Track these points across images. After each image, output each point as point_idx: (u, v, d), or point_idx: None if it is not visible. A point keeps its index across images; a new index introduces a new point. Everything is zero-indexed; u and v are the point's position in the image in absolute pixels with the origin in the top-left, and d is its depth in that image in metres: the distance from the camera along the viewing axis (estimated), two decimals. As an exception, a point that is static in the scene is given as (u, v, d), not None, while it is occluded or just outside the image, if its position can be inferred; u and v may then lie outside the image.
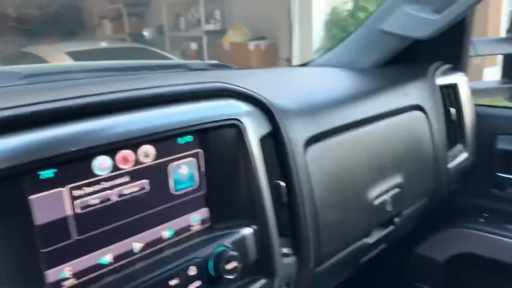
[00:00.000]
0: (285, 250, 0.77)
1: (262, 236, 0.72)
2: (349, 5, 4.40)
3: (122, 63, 1.56)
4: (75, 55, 4.45)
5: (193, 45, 5.43)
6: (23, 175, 0.50)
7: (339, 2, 4.45)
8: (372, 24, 1.27)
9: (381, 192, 0.98)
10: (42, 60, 4.66)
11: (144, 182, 0.62)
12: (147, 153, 0.62)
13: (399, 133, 1.06)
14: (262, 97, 0.78)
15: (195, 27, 5.40)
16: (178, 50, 5.63)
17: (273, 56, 4.86)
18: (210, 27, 5.26)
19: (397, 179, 1.02)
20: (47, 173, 0.52)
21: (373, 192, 0.95)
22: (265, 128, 0.76)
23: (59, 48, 5.03)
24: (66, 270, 0.55)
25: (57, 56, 4.61)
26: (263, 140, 0.74)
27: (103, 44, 5.25)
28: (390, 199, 1.00)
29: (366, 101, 1.02)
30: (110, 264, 0.60)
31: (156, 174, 0.63)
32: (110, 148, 0.57)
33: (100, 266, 0.59)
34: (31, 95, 0.68)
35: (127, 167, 0.60)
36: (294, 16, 4.52)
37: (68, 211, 0.55)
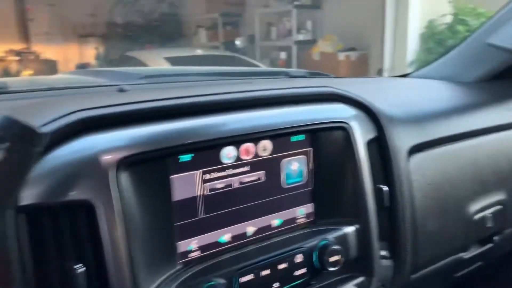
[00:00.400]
0: (383, 253, 0.80)
1: (363, 235, 0.75)
2: (448, 18, 4.24)
3: (228, 69, 1.67)
4: (172, 61, 4.76)
5: (283, 55, 5.54)
6: (167, 157, 0.59)
7: (436, 15, 4.31)
8: (479, 37, 1.25)
9: (482, 207, 0.96)
10: (143, 64, 5.02)
11: (261, 173, 0.68)
12: (265, 147, 0.68)
13: (504, 149, 1.03)
14: (369, 103, 0.81)
15: (286, 37, 5.52)
16: (268, 59, 5.79)
17: (363, 68, 4.82)
18: (301, 37, 5.35)
19: (500, 196, 0.99)
20: (185, 157, 0.61)
21: (473, 207, 0.94)
22: (371, 133, 0.79)
23: (158, 54, 5.39)
24: (193, 243, 0.63)
25: (156, 61, 4.95)
26: (368, 144, 0.78)
27: (198, 51, 5.54)
28: (491, 216, 0.98)
29: (471, 115, 1.01)
30: (228, 243, 0.67)
31: (271, 167, 0.69)
32: (236, 140, 0.65)
33: (219, 244, 0.66)
34: (163, 92, 0.78)
35: (248, 158, 0.67)
36: (388, 28, 4.45)
37: (199, 192, 0.63)
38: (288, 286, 0.68)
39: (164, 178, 0.59)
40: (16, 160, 0.41)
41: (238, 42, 6.17)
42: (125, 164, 0.55)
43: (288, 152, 0.71)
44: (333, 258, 0.69)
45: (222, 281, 0.61)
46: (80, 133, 0.55)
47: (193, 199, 0.62)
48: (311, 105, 0.75)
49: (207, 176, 0.63)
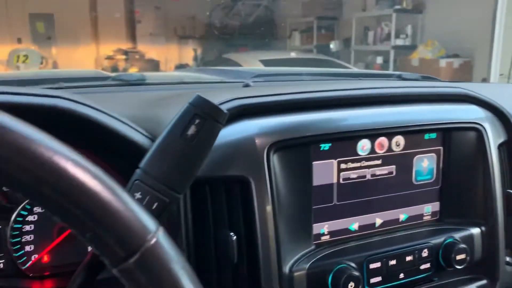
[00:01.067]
0: (508, 259, 0.78)
1: (489, 238, 0.74)
2: None
3: (337, 70, 1.71)
4: (267, 63, 4.88)
5: (379, 59, 5.43)
6: (310, 144, 0.64)
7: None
8: None
9: None
10: (239, 66, 5.21)
11: (393, 167, 0.71)
12: (398, 142, 0.71)
13: None
14: (501, 106, 0.80)
15: (383, 41, 5.41)
16: (362, 64, 5.71)
17: (466, 76, 4.56)
18: (400, 42, 5.20)
19: None
20: (325, 146, 0.65)
21: None
22: (502, 137, 0.78)
23: (253, 56, 5.55)
24: (325, 227, 0.68)
25: (252, 63, 5.10)
26: (499, 148, 0.77)
27: (293, 54, 5.62)
28: None
29: None
30: (356, 231, 0.70)
31: (402, 162, 0.72)
32: (372, 134, 0.68)
33: (348, 231, 0.70)
34: (290, 88, 0.84)
35: (381, 152, 0.70)
36: (498, 36, 4.18)
37: (334, 180, 0.67)
38: (413, 278, 0.70)
39: (307, 163, 0.64)
40: (204, 135, 0.49)
41: (332, 45, 6.16)
42: (275, 147, 0.61)
43: (420, 149, 0.73)
44: (460, 257, 0.70)
45: (352, 264, 0.64)
46: (238, 118, 0.62)
47: (329, 186, 0.67)
48: (443, 104, 0.76)
49: (343, 166, 0.67)
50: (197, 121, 0.48)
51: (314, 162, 0.65)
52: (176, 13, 7.17)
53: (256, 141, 0.60)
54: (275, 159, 0.61)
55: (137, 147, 0.57)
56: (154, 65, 6.86)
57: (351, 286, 0.62)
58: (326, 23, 6.54)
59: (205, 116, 0.48)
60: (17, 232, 0.69)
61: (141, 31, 7.22)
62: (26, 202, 0.68)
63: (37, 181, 0.27)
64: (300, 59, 5.44)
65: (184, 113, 0.48)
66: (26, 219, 0.69)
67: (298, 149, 0.64)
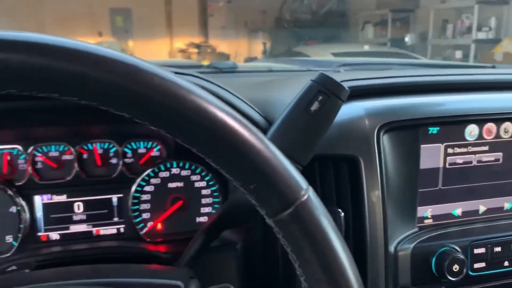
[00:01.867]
0: None
1: None
2: None
3: (425, 61, 1.67)
4: (339, 56, 4.81)
5: (458, 54, 5.18)
6: (419, 127, 0.65)
7: None
8: None
9: None
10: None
11: (499, 154, 0.70)
12: (507, 129, 0.70)
13: None
14: None
15: (463, 34, 5.15)
16: (439, 58, 5.48)
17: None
18: (482, 35, 4.93)
19: None
20: (433, 130, 0.66)
21: None
22: None
23: (324, 49, 5.50)
24: (428, 211, 0.68)
25: (323, 56, 5.06)
26: None
27: (366, 48, 5.50)
28: None
29: None
30: (459, 217, 0.70)
31: (510, 150, 0.70)
32: (480, 119, 0.68)
33: (451, 216, 0.70)
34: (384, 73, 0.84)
35: (489, 138, 0.69)
36: None
37: (440, 164, 0.67)
38: (518, 268, 0.69)
39: (415, 146, 0.65)
40: (327, 111, 0.52)
41: (407, 39, 5.96)
42: (385, 128, 0.63)
43: (529, 137, 0.71)
44: None
45: (457, 248, 0.65)
46: (349, 99, 0.65)
47: (435, 170, 0.67)
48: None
49: (450, 150, 0.67)
50: (320, 97, 0.51)
51: (422, 145, 0.66)
52: (247, 7, 7.27)
53: (367, 121, 0.62)
54: (384, 140, 0.63)
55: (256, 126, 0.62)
56: (225, 59, 7.01)
57: (455, 268, 0.63)
58: (401, 16, 6.34)
59: (328, 93, 0.51)
60: (136, 201, 0.76)
61: (212, 25, 7.40)
62: (145, 173, 0.76)
63: (212, 138, 0.31)
64: (375, 53, 5.31)
65: (308, 90, 0.51)
66: (144, 189, 0.76)
67: (407, 132, 0.65)
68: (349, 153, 0.61)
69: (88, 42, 0.31)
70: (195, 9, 7.48)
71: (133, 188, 0.75)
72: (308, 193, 0.34)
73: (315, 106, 0.51)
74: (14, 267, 0.56)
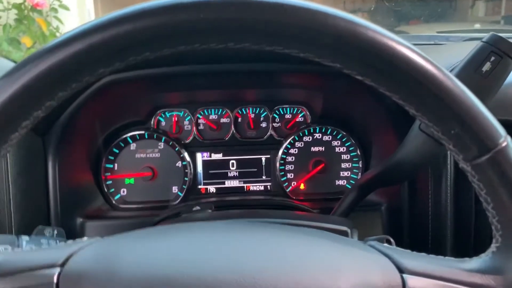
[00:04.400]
0: None
1: None
2: None
3: None
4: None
5: None
6: None
7: None
8: None
9: None
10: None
11: None
12: None
13: None
14: None
15: None
16: None
17: None
18: None
19: None
20: None
21: None
22: None
23: (430, 28, 5.20)
24: None
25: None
26: None
27: (477, 26, 5.10)
28: None
29: None
30: None
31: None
32: None
33: None
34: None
35: None
36: None
37: None
38: None
39: None
40: (499, 72, 0.52)
41: (525, 15, 5.42)
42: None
43: None
44: None
45: None
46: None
47: None
48: None
49: None
50: (492, 58, 0.52)
51: None
52: (347, -14, 7.09)
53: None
54: None
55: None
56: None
57: None
58: (520, -11, 5.76)
59: (501, 54, 0.51)
60: (282, 162, 0.83)
61: (310, 6, 7.34)
62: (291, 137, 0.82)
63: (420, 87, 0.35)
64: (486, 31, 4.90)
65: (480, 51, 0.53)
66: (289, 151, 0.83)
67: None
68: None
69: None
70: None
71: (281, 150, 0.82)
72: (507, 141, 0.36)
73: (486, 66, 0.52)
74: (198, 208, 0.65)
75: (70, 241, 0.39)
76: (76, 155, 0.75)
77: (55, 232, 0.49)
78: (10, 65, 0.69)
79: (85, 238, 0.39)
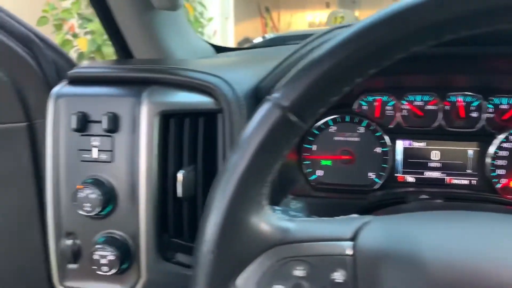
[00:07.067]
0: None
1: None
2: None
3: None
4: None
5: None
6: None
7: None
8: None
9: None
10: None
11: None
12: None
13: None
14: None
15: None
16: None
17: None
18: None
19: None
20: None
21: None
22: None
23: None
24: None
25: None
26: None
27: None
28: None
29: None
30: None
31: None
32: None
33: None
34: None
35: None
36: None
37: None
38: None
39: None
40: None
41: None
42: None
43: None
44: None
45: None
46: None
47: None
48: None
49: None
50: None
51: None
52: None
53: None
54: None
55: None
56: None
57: None
58: None
59: None
60: (493, 156, 0.76)
61: None
62: (509, 131, 0.74)
63: None
64: None
65: None
66: (503, 145, 0.75)
67: None
68: None
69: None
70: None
71: (494, 143, 0.75)
72: None
73: None
74: (425, 196, 0.63)
75: (354, 215, 0.39)
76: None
77: (299, 205, 0.51)
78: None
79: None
